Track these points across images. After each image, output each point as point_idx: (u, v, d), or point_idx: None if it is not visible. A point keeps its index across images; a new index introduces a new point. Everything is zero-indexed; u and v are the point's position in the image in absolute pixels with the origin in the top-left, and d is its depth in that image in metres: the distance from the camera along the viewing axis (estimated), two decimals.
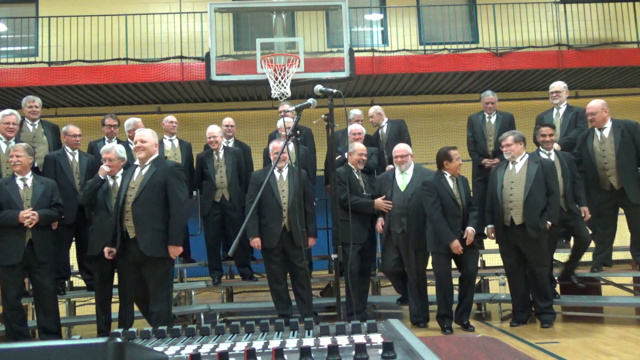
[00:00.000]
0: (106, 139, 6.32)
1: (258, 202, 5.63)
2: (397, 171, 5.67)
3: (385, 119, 6.73)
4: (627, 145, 5.44)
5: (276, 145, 5.72)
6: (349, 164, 5.70)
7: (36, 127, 6.06)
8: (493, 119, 6.60)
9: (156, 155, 4.69)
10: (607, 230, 5.65)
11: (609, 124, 5.55)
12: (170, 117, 6.77)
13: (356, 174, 5.71)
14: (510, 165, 5.42)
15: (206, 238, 6.49)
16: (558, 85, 6.32)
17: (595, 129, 5.58)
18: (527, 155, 5.40)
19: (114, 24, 10.41)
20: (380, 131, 6.70)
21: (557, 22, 10.90)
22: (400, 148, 5.68)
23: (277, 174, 5.58)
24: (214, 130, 6.32)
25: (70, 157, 5.85)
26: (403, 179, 5.58)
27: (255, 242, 5.64)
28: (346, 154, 5.98)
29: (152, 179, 4.52)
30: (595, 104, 5.59)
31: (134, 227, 4.50)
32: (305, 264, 4.02)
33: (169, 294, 4.65)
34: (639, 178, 5.46)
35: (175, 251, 4.63)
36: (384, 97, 11.73)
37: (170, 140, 6.60)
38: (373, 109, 6.77)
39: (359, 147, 5.77)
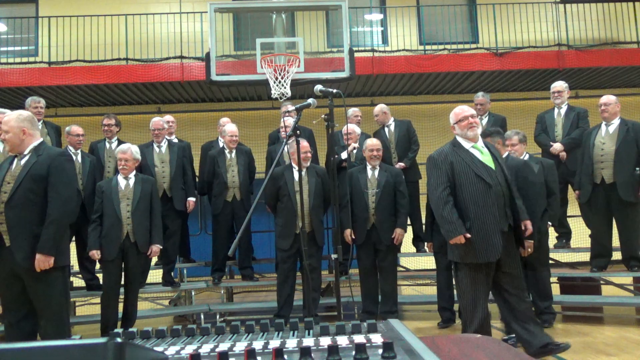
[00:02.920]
0: (106, 139, 6.32)
1: (278, 202, 5.54)
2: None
3: (392, 118, 6.64)
4: (629, 143, 5.40)
5: (304, 145, 5.24)
6: (366, 162, 5.62)
7: (39, 128, 6.04)
8: (484, 121, 6.51)
9: (39, 141, 3.76)
10: (601, 228, 5.62)
11: (616, 121, 5.52)
12: (167, 117, 6.75)
13: (369, 170, 5.57)
14: None
15: (214, 237, 6.34)
16: (560, 85, 6.33)
17: (603, 123, 5.56)
18: (527, 155, 5.38)
19: (114, 24, 10.42)
20: (386, 130, 6.56)
21: (557, 22, 10.91)
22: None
23: (295, 175, 5.33)
24: (234, 128, 6.21)
25: (73, 158, 5.83)
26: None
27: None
28: (344, 153, 5.96)
29: (30, 172, 3.62)
30: (610, 97, 5.61)
31: (7, 233, 3.58)
32: (306, 264, 4.04)
33: (60, 311, 3.68)
34: (634, 178, 5.39)
35: (43, 261, 3.53)
36: (384, 97, 11.73)
37: (168, 139, 6.58)
38: (378, 108, 6.61)
39: (369, 142, 5.63)
